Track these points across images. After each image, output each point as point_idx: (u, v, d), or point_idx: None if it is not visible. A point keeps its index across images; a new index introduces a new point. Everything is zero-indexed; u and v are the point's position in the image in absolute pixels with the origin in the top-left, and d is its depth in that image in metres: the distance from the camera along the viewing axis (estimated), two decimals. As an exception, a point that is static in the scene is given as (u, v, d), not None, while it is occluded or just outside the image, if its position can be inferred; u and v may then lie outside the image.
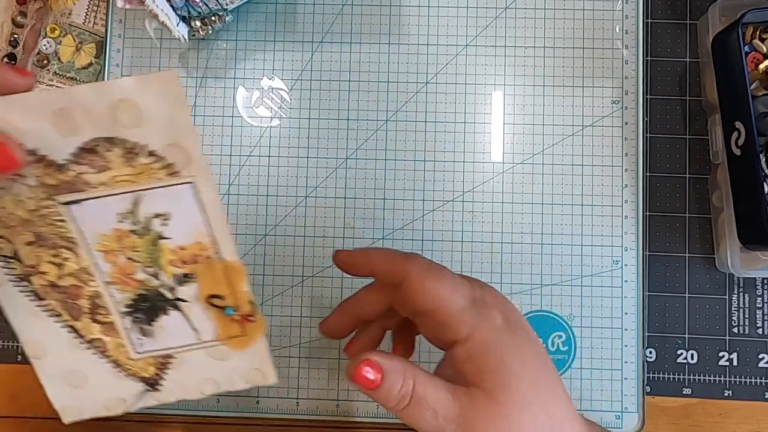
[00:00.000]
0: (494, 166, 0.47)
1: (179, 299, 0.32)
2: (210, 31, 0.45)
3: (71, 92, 0.26)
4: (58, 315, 0.32)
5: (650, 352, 0.46)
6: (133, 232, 0.30)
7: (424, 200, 0.47)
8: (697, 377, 0.45)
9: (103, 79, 0.48)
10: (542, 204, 0.46)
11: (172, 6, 0.43)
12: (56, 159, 0.28)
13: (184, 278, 0.32)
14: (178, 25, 0.44)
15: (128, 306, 0.32)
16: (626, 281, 0.46)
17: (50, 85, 0.48)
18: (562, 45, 0.47)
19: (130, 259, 0.31)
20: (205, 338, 0.33)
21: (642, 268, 0.46)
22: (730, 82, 0.41)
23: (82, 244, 0.30)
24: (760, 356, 0.45)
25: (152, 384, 0.34)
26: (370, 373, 0.30)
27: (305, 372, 0.46)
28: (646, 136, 0.47)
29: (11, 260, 0.31)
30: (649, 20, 0.48)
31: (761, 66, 0.42)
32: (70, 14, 0.49)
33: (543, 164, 0.47)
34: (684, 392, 0.45)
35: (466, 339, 0.30)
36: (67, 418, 0.34)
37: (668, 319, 0.46)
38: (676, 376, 0.45)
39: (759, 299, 0.46)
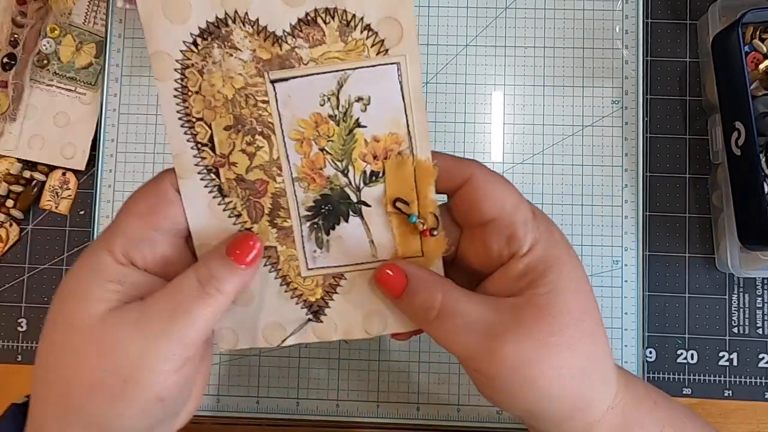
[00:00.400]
0: (494, 166, 0.47)
1: (363, 202, 0.31)
2: (210, 31, 0.45)
3: None
4: (238, 215, 0.31)
5: (650, 352, 0.46)
6: (331, 117, 0.30)
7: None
8: (697, 377, 0.45)
9: (104, 79, 0.48)
10: (542, 204, 0.46)
11: (172, 6, 0.43)
12: (275, 30, 0.29)
13: (372, 177, 0.31)
14: (178, 25, 0.44)
15: (309, 208, 0.31)
16: (626, 281, 0.46)
17: (50, 86, 0.48)
18: (562, 45, 0.47)
19: (322, 150, 0.31)
20: (382, 255, 0.31)
21: (642, 268, 0.46)
22: (730, 82, 0.41)
23: (278, 129, 0.30)
24: (760, 356, 0.45)
25: (316, 312, 0.32)
26: (392, 278, 0.30)
27: (305, 372, 0.46)
28: (646, 136, 0.47)
29: (204, 148, 0.31)
30: (649, 20, 0.48)
31: (761, 66, 0.42)
32: (70, 14, 0.49)
33: (543, 164, 0.47)
34: (684, 392, 0.45)
35: (529, 251, 0.28)
36: (224, 345, 0.32)
37: (668, 319, 0.46)
38: (676, 376, 0.45)
39: (759, 299, 0.46)
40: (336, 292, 0.32)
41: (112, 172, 0.48)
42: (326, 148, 0.31)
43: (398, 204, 0.31)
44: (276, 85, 0.30)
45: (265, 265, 0.32)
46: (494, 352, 0.27)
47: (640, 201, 0.46)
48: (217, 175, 0.31)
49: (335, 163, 0.31)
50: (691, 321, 0.46)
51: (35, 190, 0.48)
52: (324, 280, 0.32)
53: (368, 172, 0.31)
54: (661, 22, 0.48)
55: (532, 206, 0.30)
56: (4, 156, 0.48)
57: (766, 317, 0.46)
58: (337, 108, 0.30)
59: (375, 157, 0.31)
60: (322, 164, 0.31)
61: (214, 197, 0.31)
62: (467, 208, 0.30)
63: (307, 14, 0.29)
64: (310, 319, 0.32)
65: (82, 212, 0.48)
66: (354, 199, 0.31)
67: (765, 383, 0.45)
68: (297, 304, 0.32)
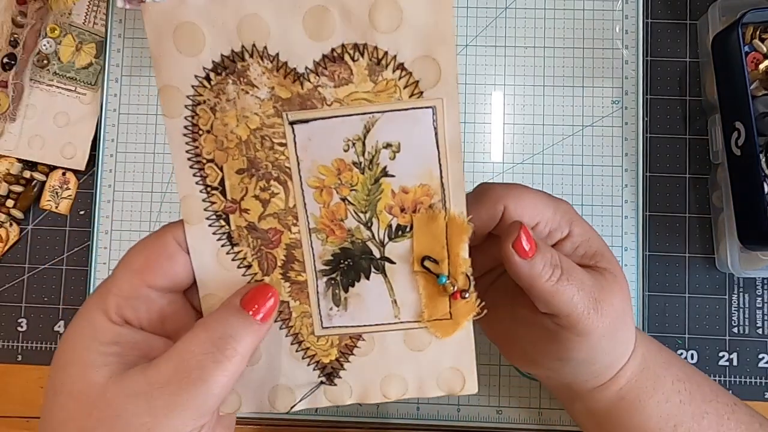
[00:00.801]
0: (494, 166, 0.47)
1: (386, 259, 0.28)
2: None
3: None
4: (248, 266, 0.29)
5: (650, 352, 0.46)
6: (356, 164, 0.27)
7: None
8: (697, 377, 0.45)
9: (104, 79, 0.48)
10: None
11: (172, 6, 0.43)
12: (296, 66, 0.26)
13: (398, 232, 0.28)
14: (178, 25, 0.44)
15: (327, 263, 0.29)
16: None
17: (50, 86, 0.48)
18: (562, 45, 0.47)
19: (343, 200, 0.28)
20: (405, 316, 0.29)
21: (642, 268, 0.46)
22: (730, 82, 0.41)
23: (296, 176, 0.28)
24: (760, 356, 0.45)
25: (330, 375, 0.30)
26: (525, 241, 0.29)
27: (305, 372, 0.46)
28: (646, 136, 0.47)
29: (214, 192, 0.28)
30: (649, 20, 0.48)
31: (761, 66, 0.42)
32: (70, 14, 0.49)
33: (543, 164, 0.47)
34: (684, 392, 0.45)
35: (569, 235, 0.32)
36: (225, 408, 0.30)
37: (668, 319, 0.46)
38: (676, 376, 0.45)
39: (759, 299, 0.46)
40: (352, 354, 0.29)
41: (112, 172, 0.48)
42: (348, 198, 0.28)
43: (427, 263, 0.28)
44: (295, 126, 0.27)
45: (275, 321, 0.29)
46: (598, 308, 0.30)
47: (640, 201, 0.46)
48: (227, 221, 0.28)
49: (358, 215, 0.28)
50: (691, 321, 0.46)
51: (35, 190, 0.48)
52: (340, 340, 0.29)
53: (394, 226, 0.28)
54: (661, 22, 0.48)
55: (555, 198, 0.32)
56: (4, 156, 0.48)
57: (766, 317, 0.46)
58: (363, 154, 0.27)
59: (402, 210, 0.28)
60: (343, 215, 0.28)
61: (222, 245, 0.28)
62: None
63: (333, 50, 0.26)
64: (322, 382, 0.30)
65: (82, 212, 0.48)
66: (377, 254, 0.28)
67: (765, 383, 0.45)
68: (309, 365, 0.29)
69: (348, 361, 0.30)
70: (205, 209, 0.28)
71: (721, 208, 0.45)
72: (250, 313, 0.26)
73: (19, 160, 0.48)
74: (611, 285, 0.31)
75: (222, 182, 0.28)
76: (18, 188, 0.48)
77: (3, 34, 0.47)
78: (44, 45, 0.48)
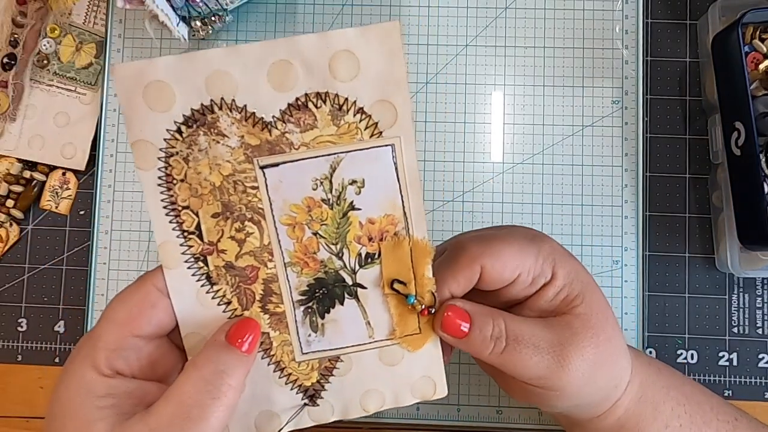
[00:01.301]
0: (494, 166, 0.47)
1: (359, 285, 0.31)
2: (210, 31, 0.45)
3: (295, 41, 0.27)
4: (228, 303, 0.30)
5: (650, 352, 0.46)
6: (324, 201, 0.29)
7: (424, 200, 0.46)
8: (697, 377, 0.45)
9: (104, 79, 0.48)
10: (542, 204, 0.46)
11: (172, 6, 0.43)
12: (264, 116, 0.28)
13: (368, 259, 0.30)
14: (178, 25, 0.44)
15: (303, 293, 0.30)
16: (626, 281, 0.46)
17: (50, 86, 0.48)
18: (562, 45, 0.47)
19: (315, 234, 0.30)
20: (379, 335, 0.31)
21: (642, 268, 0.46)
22: (730, 82, 0.41)
23: (269, 215, 0.29)
24: (760, 356, 0.45)
25: (312, 396, 0.32)
26: (454, 320, 0.30)
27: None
28: (646, 136, 0.47)
29: (191, 236, 0.29)
30: (649, 20, 0.48)
31: (761, 66, 0.42)
32: (70, 14, 0.49)
33: (543, 164, 0.47)
34: (684, 392, 0.45)
35: (553, 278, 0.31)
36: None
37: (668, 319, 0.46)
38: (676, 376, 0.45)
39: (759, 299, 0.46)
40: (332, 375, 0.31)
41: (112, 172, 0.48)
42: (320, 232, 0.30)
43: (396, 285, 0.30)
44: (266, 170, 0.29)
45: (258, 351, 0.31)
46: (565, 365, 0.29)
47: (640, 201, 0.46)
48: (205, 263, 0.30)
49: (329, 247, 0.30)
50: (691, 321, 0.46)
51: (35, 190, 0.48)
52: (320, 363, 0.31)
53: (364, 255, 0.30)
54: (661, 22, 0.48)
55: (537, 239, 0.31)
56: (4, 156, 0.48)
57: (766, 317, 0.46)
58: (331, 192, 0.29)
59: (370, 239, 0.30)
60: (316, 248, 0.30)
61: (202, 286, 0.30)
62: (490, 288, 0.31)
63: (297, 99, 0.28)
64: (306, 404, 0.31)
65: (82, 212, 0.48)
66: (349, 281, 0.30)
67: (765, 383, 0.45)
68: (292, 389, 0.31)
69: (329, 382, 0.31)
70: (182, 253, 0.29)
71: (721, 208, 0.45)
72: (236, 346, 0.28)
73: (19, 160, 0.48)
74: (581, 334, 0.30)
75: (198, 226, 0.29)
76: (18, 188, 0.48)
77: (3, 34, 0.47)
78: (44, 45, 0.48)
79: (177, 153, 0.28)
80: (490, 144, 0.47)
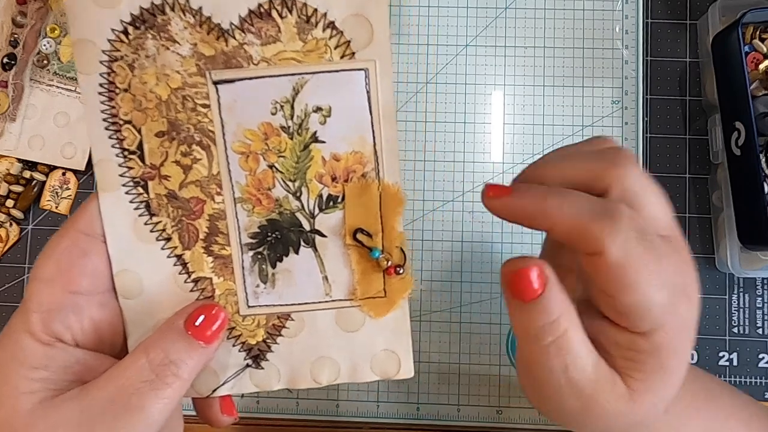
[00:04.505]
0: (494, 166, 0.47)
1: (317, 231, 0.27)
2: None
3: None
4: (167, 239, 0.27)
5: (650, 352, 0.46)
6: (284, 129, 0.26)
7: (424, 200, 0.47)
8: (697, 377, 0.45)
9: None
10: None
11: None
12: (221, 22, 0.25)
13: (329, 203, 0.26)
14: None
15: (253, 236, 0.27)
16: (626, 281, 0.46)
17: (50, 86, 0.48)
18: (562, 45, 0.47)
19: (271, 167, 0.26)
20: (337, 294, 0.27)
21: (642, 268, 0.46)
22: (730, 82, 0.41)
23: (219, 140, 0.26)
24: (760, 356, 0.45)
25: (256, 357, 0.28)
26: (529, 280, 0.23)
27: (305, 372, 0.46)
28: (646, 136, 0.47)
29: (131, 156, 0.26)
30: (649, 20, 0.48)
31: (761, 66, 0.42)
32: (70, 14, 0.49)
33: (543, 164, 0.47)
34: (684, 392, 0.45)
35: (655, 331, 0.23)
36: None
37: (668, 319, 0.46)
38: (676, 376, 0.45)
39: (759, 299, 0.46)
40: (280, 335, 0.28)
41: (112, 172, 0.48)
42: (276, 165, 0.26)
43: (359, 236, 0.26)
44: (219, 87, 0.26)
45: (197, 299, 0.27)
46: (590, 414, 0.24)
47: (640, 201, 0.46)
48: (146, 189, 0.26)
49: (286, 184, 0.26)
50: (691, 321, 0.46)
51: (35, 190, 0.48)
52: (267, 320, 0.27)
53: (325, 197, 0.27)
54: (661, 22, 0.48)
55: (670, 282, 0.23)
56: (4, 156, 0.48)
57: (766, 317, 0.46)
58: (291, 118, 0.26)
59: (334, 179, 0.26)
60: (271, 184, 0.26)
61: (140, 215, 0.26)
62: (593, 278, 0.23)
63: (260, 5, 0.25)
64: (248, 365, 0.28)
65: (82, 212, 0.48)
66: (307, 227, 0.27)
67: (765, 383, 0.45)
68: (234, 346, 0.28)
69: (276, 343, 0.28)
70: (121, 175, 0.26)
71: (721, 208, 0.45)
72: (192, 334, 0.25)
73: (19, 160, 0.48)
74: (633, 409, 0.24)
75: (140, 146, 0.26)
76: (18, 188, 0.48)
77: (3, 34, 0.47)
78: (44, 45, 0.48)
79: (121, 58, 0.25)
80: (490, 144, 0.47)
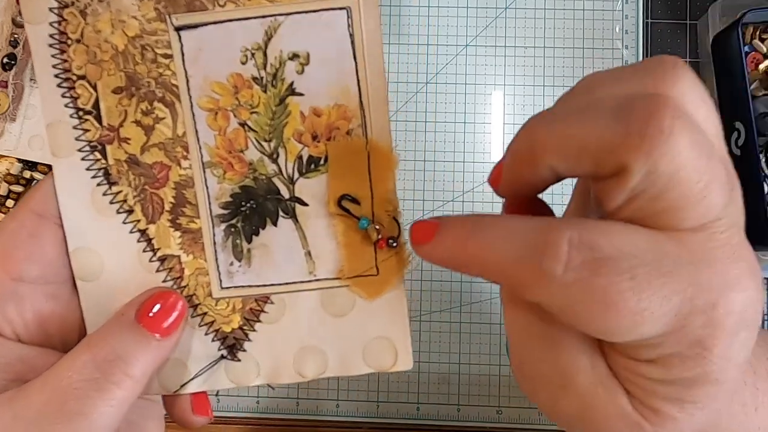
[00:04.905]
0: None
1: (297, 199, 0.23)
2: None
3: None
4: (129, 211, 0.23)
5: (650, 352, 0.46)
6: (256, 80, 0.23)
7: (424, 200, 0.47)
8: (697, 377, 0.45)
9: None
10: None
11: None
12: None
13: (310, 165, 0.23)
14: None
15: (225, 205, 0.23)
16: (626, 281, 0.45)
17: (50, 85, 0.48)
18: (562, 45, 0.47)
19: (243, 125, 0.23)
20: (322, 273, 0.24)
21: (642, 268, 0.46)
22: (730, 82, 0.41)
23: (184, 95, 0.23)
24: (760, 356, 0.45)
25: (232, 347, 0.24)
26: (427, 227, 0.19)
27: (305, 372, 0.46)
28: (646, 136, 0.47)
29: (87, 116, 0.23)
30: (649, 20, 0.48)
31: (761, 66, 0.42)
32: (70, 14, 0.49)
33: (543, 164, 0.47)
34: (684, 392, 0.45)
35: (663, 358, 0.17)
36: None
37: (668, 319, 0.46)
38: (676, 376, 0.45)
39: (759, 299, 0.46)
40: (259, 320, 0.24)
41: (112, 172, 0.47)
42: (249, 122, 0.23)
43: (345, 203, 0.23)
44: (182, 33, 0.22)
45: (164, 281, 0.24)
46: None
47: (640, 201, 0.46)
48: (104, 154, 0.23)
49: (260, 144, 0.23)
50: (691, 321, 0.46)
51: (35, 190, 0.48)
52: (243, 303, 0.24)
53: (305, 158, 0.23)
54: (661, 22, 0.48)
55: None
56: (4, 156, 0.48)
57: (766, 317, 0.46)
58: (264, 68, 0.23)
59: (314, 138, 0.23)
60: (243, 145, 0.23)
61: (98, 185, 0.23)
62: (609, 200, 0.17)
63: None
64: (223, 356, 0.24)
65: (82, 212, 0.48)
66: (285, 194, 0.23)
67: (765, 383, 0.45)
68: (207, 335, 0.24)
69: (254, 330, 0.24)
70: (76, 139, 0.23)
71: (721, 208, 0.45)
72: (144, 326, 0.22)
73: (19, 160, 0.48)
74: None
75: (96, 104, 0.23)
76: (18, 188, 0.48)
77: (3, 34, 0.47)
78: (44, 45, 0.48)
79: (72, 3, 0.22)
80: (490, 144, 0.47)
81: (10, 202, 0.48)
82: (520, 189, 0.20)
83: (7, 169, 0.48)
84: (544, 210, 0.22)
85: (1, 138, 0.48)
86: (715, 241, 0.17)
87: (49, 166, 0.48)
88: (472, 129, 0.47)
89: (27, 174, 0.48)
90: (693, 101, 0.17)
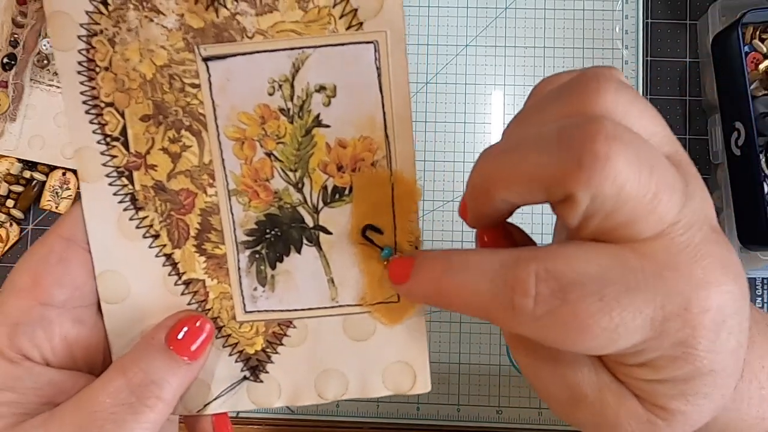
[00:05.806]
0: (494, 166, 0.47)
1: (321, 228, 0.24)
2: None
3: None
4: (155, 236, 0.24)
5: (650, 352, 0.46)
6: (283, 111, 0.23)
7: (424, 200, 0.47)
8: (697, 377, 0.45)
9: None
10: (542, 204, 0.46)
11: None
12: None
13: (335, 195, 0.24)
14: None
15: (250, 233, 0.24)
16: (626, 281, 0.45)
17: (50, 86, 0.48)
18: (562, 45, 0.47)
19: (269, 155, 0.23)
20: (344, 299, 0.24)
21: (642, 268, 0.46)
22: (730, 82, 0.41)
23: (211, 124, 0.23)
24: (760, 356, 0.45)
25: (254, 369, 0.25)
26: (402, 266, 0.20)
27: (305, 372, 0.46)
28: (646, 136, 0.47)
29: (114, 143, 0.23)
30: (649, 20, 0.48)
31: (761, 66, 0.42)
32: (70, 14, 0.49)
33: (543, 164, 0.47)
34: (684, 392, 0.45)
35: (649, 362, 0.18)
36: None
37: (668, 319, 0.46)
38: (676, 376, 0.45)
39: (759, 299, 0.46)
40: (281, 344, 0.25)
41: (112, 172, 0.47)
42: (275, 152, 0.23)
43: (369, 233, 0.24)
44: (210, 64, 0.23)
45: (188, 303, 0.24)
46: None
47: (640, 201, 0.46)
48: (131, 180, 0.24)
49: (286, 174, 0.24)
50: (691, 321, 0.46)
51: (35, 190, 0.48)
52: (266, 327, 0.25)
53: (330, 188, 0.24)
54: (661, 22, 0.48)
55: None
56: (4, 156, 0.48)
57: None
58: (291, 99, 0.23)
59: (340, 169, 0.23)
60: (269, 174, 0.24)
61: (125, 209, 0.24)
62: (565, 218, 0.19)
63: None
64: (246, 377, 0.25)
65: (82, 212, 0.48)
66: (310, 223, 0.24)
67: (765, 383, 0.45)
68: (230, 356, 0.25)
69: (276, 353, 0.25)
70: (104, 164, 0.24)
71: (721, 208, 0.45)
72: (174, 349, 0.22)
73: (19, 160, 0.48)
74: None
75: (124, 131, 0.23)
76: (18, 188, 0.48)
77: (3, 34, 0.47)
78: (44, 45, 0.48)
79: (101, 32, 0.23)
80: (490, 144, 0.47)
81: (10, 202, 0.48)
82: (484, 220, 0.21)
83: (7, 169, 0.48)
84: (516, 233, 0.23)
85: (1, 138, 0.48)
86: (676, 245, 0.17)
87: (49, 166, 0.48)
88: (472, 129, 0.47)
89: (27, 174, 0.48)
90: (622, 108, 0.18)
